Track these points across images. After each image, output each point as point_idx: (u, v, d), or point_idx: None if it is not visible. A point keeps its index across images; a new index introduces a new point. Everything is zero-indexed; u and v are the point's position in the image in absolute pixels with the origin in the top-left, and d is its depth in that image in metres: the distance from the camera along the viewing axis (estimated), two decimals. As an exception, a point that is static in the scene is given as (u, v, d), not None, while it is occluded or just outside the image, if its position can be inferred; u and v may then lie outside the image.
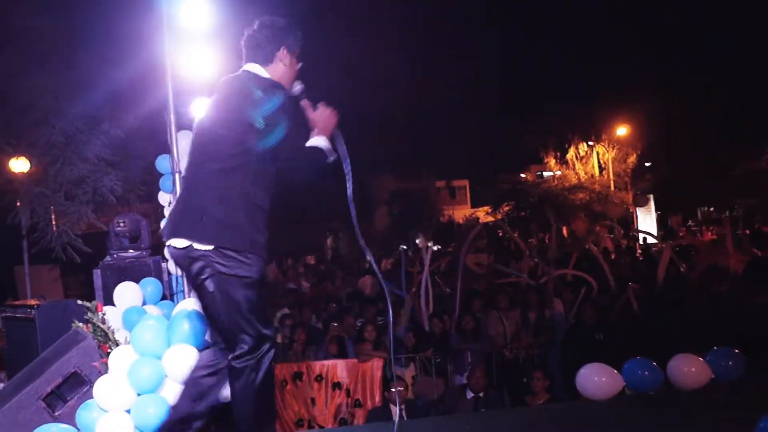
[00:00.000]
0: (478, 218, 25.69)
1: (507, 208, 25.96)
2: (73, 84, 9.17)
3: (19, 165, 9.93)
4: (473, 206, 29.34)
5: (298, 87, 3.56)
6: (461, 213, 27.60)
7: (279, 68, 3.47)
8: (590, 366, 5.16)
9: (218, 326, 3.37)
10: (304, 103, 3.53)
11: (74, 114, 9.26)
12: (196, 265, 3.26)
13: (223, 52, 6.27)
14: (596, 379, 5.06)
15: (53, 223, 9.98)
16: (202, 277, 3.25)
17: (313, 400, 7.43)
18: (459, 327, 8.17)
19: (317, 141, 3.41)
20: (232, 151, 3.27)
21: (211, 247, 3.21)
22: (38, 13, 8.56)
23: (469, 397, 6.93)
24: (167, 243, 3.37)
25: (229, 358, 3.29)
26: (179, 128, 6.26)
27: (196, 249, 3.23)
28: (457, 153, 22.39)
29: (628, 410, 4.74)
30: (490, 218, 25.14)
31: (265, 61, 3.46)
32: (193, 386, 3.54)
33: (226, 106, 3.37)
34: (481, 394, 6.87)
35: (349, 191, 3.59)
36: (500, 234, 19.80)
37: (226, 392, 5.39)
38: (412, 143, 21.03)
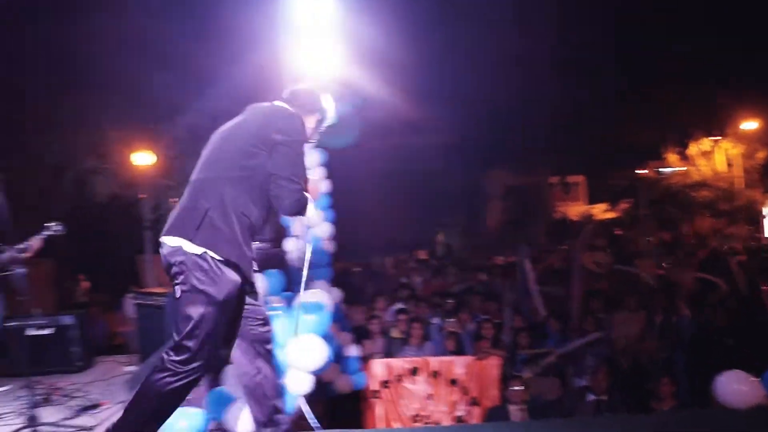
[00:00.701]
0: (592, 215, 25.02)
1: (625, 205, 25.19)
2: (195, 81, 9.48)
3: (144, 158, 10.34)
4: (588, 203, 28.61)
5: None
6: (575, 210, 26.89)
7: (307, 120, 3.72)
8: (729, 373, 4.90)
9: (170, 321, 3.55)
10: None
11: (197, 110, 9.56)
12: (175, 269, 3.40)
13: (338, 47, 6.32)
14: (735, 387, 4.80)
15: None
16: (176, 281, 3.41)
17: (429, 396, 7.40)
18: (579, 328, 7.95)
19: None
20: (243, 162, 3.44)
21: (200, 251, 3.33)
22: (161, 15, 8.87)
23: (589, 400, 6.74)
24: (160, 239, 3.50)
25: (165, 351, 3.42)
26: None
27: (185, 251, 3.34)
28: (572, 148, 21.79)
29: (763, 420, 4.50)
30: (607, 215, 24.38)
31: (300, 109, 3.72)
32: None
33: (249, 126, 3.57)
34: (603, 398, 6.67)
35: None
36: (617, 232, 19.20)
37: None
38: (527, 137, 20.61)
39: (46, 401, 5.81)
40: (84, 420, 5.30)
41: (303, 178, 3.52)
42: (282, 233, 6.96)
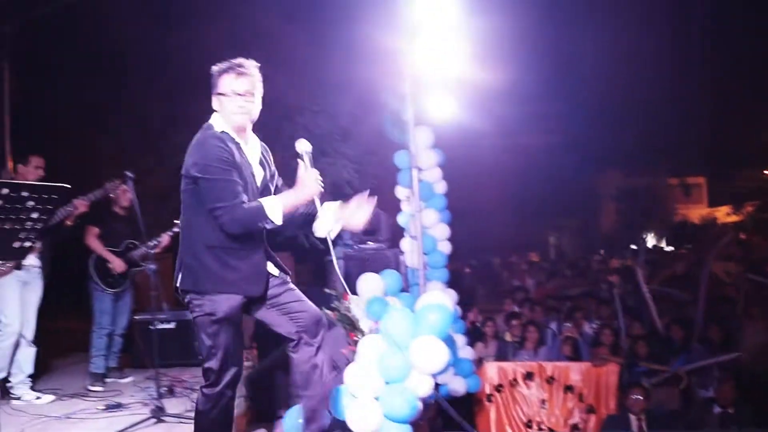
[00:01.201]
0: (715, 218, 24.03)
1: (750, 208, 23.95)
2: (313, 82, 9.64)
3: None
4: (710, 205, 27.47)
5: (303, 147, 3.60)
6: (697, 212, 25.90)
7: (220, 110, 3.51)
8: None
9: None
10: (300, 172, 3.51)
11: (314, 110, 9.73)
12: (188, 303, 3.58)
13: (460, 47, 6.27)
14: None
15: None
16: (191, 312, 3.58)
17: (544, 402, 7.27)
18: (704, 337, 7.62)
19: (268, 202, 3.37)
20: (189, 200, 3.47)
21: (187, 298, 3.53)
22: (279, 18, 9.04)
23: (715, 412, 6.46)
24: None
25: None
26: (417, 124, 6.36)
27: (182, 291, 3.55)
28: (692, 148, 20.93)
29: None
30: (731, 219, 23.32)
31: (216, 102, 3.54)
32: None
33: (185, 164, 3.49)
34: (729, 410, 6.37)
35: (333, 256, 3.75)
36: (742, 237, 18.30)
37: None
38: (643, 137, 19.94)
39: (170, 393, 6.02)
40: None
41: (232, 193, 3.34)
42: (398, 234, 6.99)
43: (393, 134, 6.93)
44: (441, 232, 6.88)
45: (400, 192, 6.97)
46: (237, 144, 3.49)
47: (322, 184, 3.64)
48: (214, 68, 3.54)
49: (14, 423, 5.08)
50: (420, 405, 4.28)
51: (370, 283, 5.65)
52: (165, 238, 6.36)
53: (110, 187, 5.98)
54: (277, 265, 3.75)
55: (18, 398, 5.84)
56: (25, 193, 3.04)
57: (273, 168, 3.78)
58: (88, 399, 6.02)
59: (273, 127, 10.06)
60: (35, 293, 5.98)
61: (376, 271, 5.95)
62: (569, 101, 15.79)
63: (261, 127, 10.18)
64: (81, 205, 5.76)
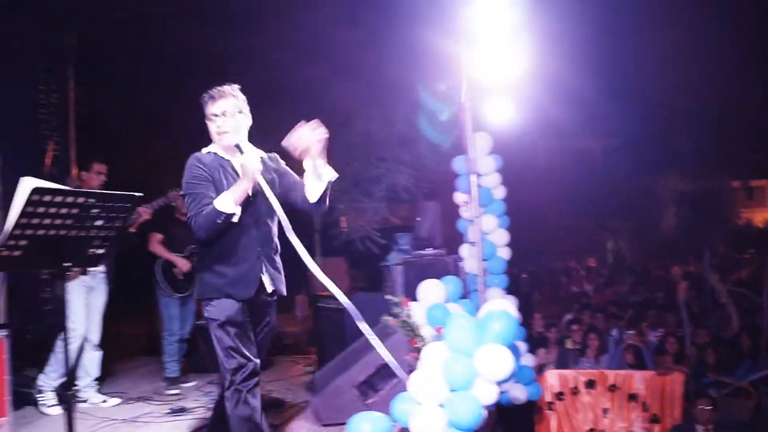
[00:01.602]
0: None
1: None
2: (369, 88, 9.63)
3: (313, 165, 10.65)
4: (775, 209, 26.75)
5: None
6: (760, 216, 25.23)
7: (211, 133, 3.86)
8: None
9: None
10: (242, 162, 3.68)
11: (371, 116, 9.73)
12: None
13: (518, 51, 6.21)
14: None
15: (342, 218, 10.67)
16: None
17: (605, 411, 7.14)
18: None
19: (219, 199, 3.59)
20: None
21: (201, 298, 3.86)
22: (336, 24, 9.07)
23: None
24: None
25: None
26: (475, 129, 6.32)
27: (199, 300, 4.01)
28: (756, 151, 20.34)
29: None
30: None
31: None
32: None
33: None
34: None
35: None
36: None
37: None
38: (703, 140, 19.43)
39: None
40: (270, 417, 5.48)
41: (198, 205, 3.64)
42: (458, 240, 6.95)
43: (430, 135, 6.93)
44: (500, 237, 6.82)
45: (459, 198, 6.93)
46: (227, 161, 3.81)
47: (333, 176, 3.92)
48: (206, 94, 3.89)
49: (82, 426, 5.18)
50: (485, 413, 4.26)
51: (430, 289, 5.64)
52: None
53: (172, 195, 6.09)
54: (274, 282, 3.91)
55: (85, 401, 5.97)
56: (99, 202, 3.11)
57: (275, 174, 3.96)
58: (153, 402, 6.13)
59: (331, 132, 10.11)
60: (100, 298, 6.11)
61: (436, 278, 5.94)
62: (627, 103, 15.49)
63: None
64: (144, 212, 5.89)
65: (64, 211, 2.99)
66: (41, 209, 2.92)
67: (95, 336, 6.09)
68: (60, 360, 5.80)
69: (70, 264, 3.18)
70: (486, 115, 6.72)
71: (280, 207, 3.66)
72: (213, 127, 3.79)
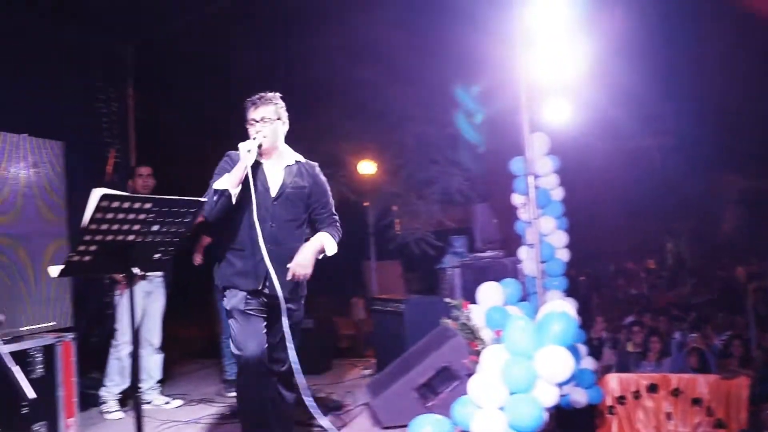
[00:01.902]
0: None
1: None
2: (423, 90, 9.64)
3: (369, 167, 10.72)
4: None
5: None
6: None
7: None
8: None
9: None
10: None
11: (425, 119, 9.74)
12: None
13: (577, 52, 6.15)
14: None
15: (396, 221, 10.71)
16: None
17: (669, 415, 7.00)
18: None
19: (216, 182, 3.96)
20: None
21: (218, 288, 4.22)
22: (389, 27, 9.09)
23: None
24: None
25: None
26: (532, 130, 6.27)
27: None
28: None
29: None
30: None
31: None
32: None
33: None
34: None
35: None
36: None
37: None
38: (763, 138, 18.92)
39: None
40: (329, 421, 5.51)
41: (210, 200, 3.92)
42: (516, 242, 6.90)
43: (466, 132, 6.89)
44: (559, 239, 6.75)
45: (517, 199, 6.89)
46: (256, 162, 4.03)
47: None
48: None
49: (146, 427, 5.30)
50: (546, 415, 4.22)
51: (489, 292, 5.61)
52: None
53: None
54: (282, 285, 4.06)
55: (148, 403, 6.08)
56: (163, 207, 3.19)
57: (309, 183, 4.28)
58: (215, 404, 6.22)
59: (384, 134, 10.14)
60: (159, 302, 6.22)
61: (494, 280, 5.90)
62: (684, 103, 15.18)
63: (374, 135, 10.28)
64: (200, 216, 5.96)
65: (131, 216, 3.08)
66: (110, 215, 3.01)
67: (156, 339, 6.21)
68: (115, 370, 5.96)
69: (136, 269, 3.27)
70: (543, 116, 6.68)
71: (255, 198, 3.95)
72: (252, 131, 4.08)
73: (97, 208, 2.95)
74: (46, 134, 5.22)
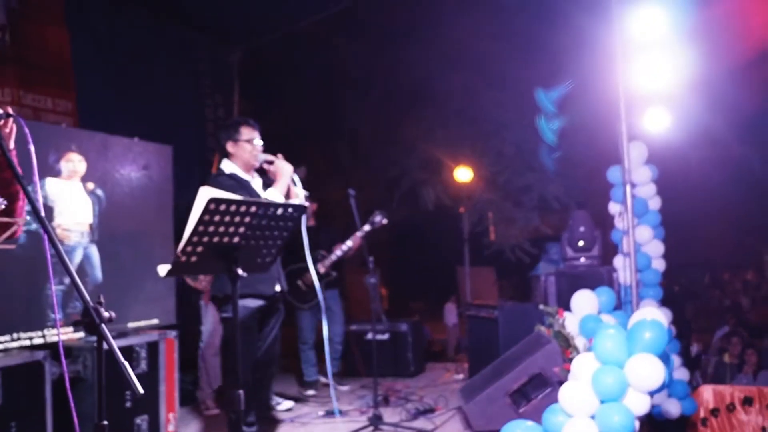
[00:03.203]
0: None
1: None
2: (520, 97, 9.69)
3: (465, 174, 10.83)
4: None
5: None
6: None
7: (236, 153, 4.48)
8: None
9: None
10: (265, 165, 4.37)
11: (522, 125, 9.79)
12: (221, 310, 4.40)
13: (676, 60, 6.13)
14: None
15: (490, 228, 10.78)
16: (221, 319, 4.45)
17: (764, 430, 6.89)
18: None
19: (269, 191, 4.24)
20: None
21: (218, 296, 4.32)
22: (484, 36, 9.18)
23: None
24: None
25: None
26: (630, 138, 6.28)
27: (215, 298, 4.44)
28: None
29: None
30: None
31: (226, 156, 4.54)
32: None
33: None
34: None
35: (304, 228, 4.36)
36: None
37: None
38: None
39: (386, 402, 6.29)
40: (421, 423, 5.64)
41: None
42: (613, 250, 6.91)
43: (546, 136, 6.90)
44: (655, 249, 6.73)
45: (613, 208, 6.90)
46: (246, 181, 4.38)
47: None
48: (230, 121, 4.75)
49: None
50: (637, 424, 4.26)
51: (583, 300, 5.66)
52: (354, 240, 6.65)
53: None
54: (280, 282, 4.46)
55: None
56: (269, 211, 3.30)
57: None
58: (309, 404, 6.46)
59: (482, 141, 10.25)
60: None
61: (589, 288, 5.95)
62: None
63: (471, 142, 10.40)
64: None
65: (237, 219, 3.17)
66: (216, 218, 3.10)
67: None
68: (203, 371, 6.22)
69: (240, 270, 3.34)
70: (642, 125, 6.68)
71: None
72: (252, 150, 4.45)
73: (205, 211, 3.03)
74: (156, 138, 5.45)
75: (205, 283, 5.87)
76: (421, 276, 14.39)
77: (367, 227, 6.31)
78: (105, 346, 1.85)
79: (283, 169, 4.30)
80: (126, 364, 1.72)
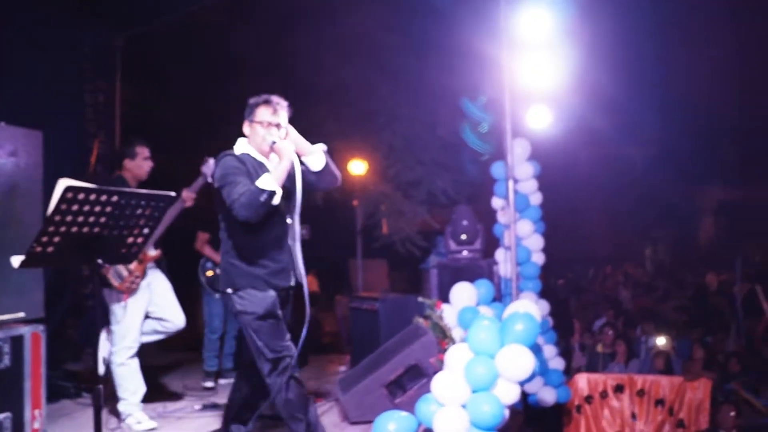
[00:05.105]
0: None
1: None
2: (412, 91, 9.77)
3: (358, 167, 10.85)
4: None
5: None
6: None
7: (251, 135, 4.13)
8: None
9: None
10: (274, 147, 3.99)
11: (413, 119, 9.87)
12: (228, 303, 4.11)
13: (559, 60, 6.33)
14: None
15: (383, 221, 10.83)
16: (235, 314, 4.10)
17: (633, 415, 7.23)
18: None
19: (261, 179, 3.82)
20: (221, 212, 4.05)
21: (228, 291, 4.01)
22: (380, 27, 9.20)
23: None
24: None
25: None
26: (515, 135, 6.44)
27: (223, 293, 4.07)
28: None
29: None
30: None
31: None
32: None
33: None
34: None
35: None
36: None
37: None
38: (744, 151, 19.08)
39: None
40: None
41: (241, 186, 3.82)
42: (495, 244, 7.09)
43: (471, 142, 7.06)
44: (535, 243, 6.94)
45: (496, 202, 7.08)
46: (260, 163, 4.06)
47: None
48: (252, 100, 4.19)
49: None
50: (507, 413, 4.39)
51: (462, 292, 5.79)
52: None
53: (206, 168, 5.58)
54: (296, 274, 4.15)
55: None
56: (133, 201, 3.19)
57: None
58: (186, 399, 6.23)
59: (373, 134, 10.27)
60: (163, 283, 5.66)
61: (470, 281, 6.08)
62: (668, 113, 15.37)
63: (364, 135, 10.34)
64: (189, 198, 5.57)
65: (97, 209, 3.05)
66: (75, 207, 2.97)
67: (179, 319, 5.71)
68: (124, 377, 5.40)
69: (101, 261, 3.23)
70: (526, 122, 6.86)
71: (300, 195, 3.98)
72: (265, 133, 4.06)
73: (62, 200, 2.93)
74: (28, 123, 5.06)
75: (128, 284, 5.40)
76: (314, 268, 14.35)
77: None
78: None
79: (283, 150, 3.97)
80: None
